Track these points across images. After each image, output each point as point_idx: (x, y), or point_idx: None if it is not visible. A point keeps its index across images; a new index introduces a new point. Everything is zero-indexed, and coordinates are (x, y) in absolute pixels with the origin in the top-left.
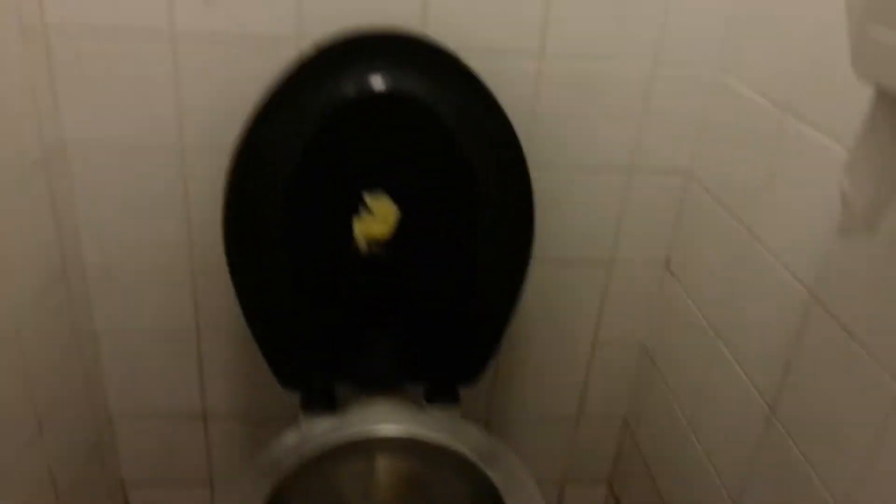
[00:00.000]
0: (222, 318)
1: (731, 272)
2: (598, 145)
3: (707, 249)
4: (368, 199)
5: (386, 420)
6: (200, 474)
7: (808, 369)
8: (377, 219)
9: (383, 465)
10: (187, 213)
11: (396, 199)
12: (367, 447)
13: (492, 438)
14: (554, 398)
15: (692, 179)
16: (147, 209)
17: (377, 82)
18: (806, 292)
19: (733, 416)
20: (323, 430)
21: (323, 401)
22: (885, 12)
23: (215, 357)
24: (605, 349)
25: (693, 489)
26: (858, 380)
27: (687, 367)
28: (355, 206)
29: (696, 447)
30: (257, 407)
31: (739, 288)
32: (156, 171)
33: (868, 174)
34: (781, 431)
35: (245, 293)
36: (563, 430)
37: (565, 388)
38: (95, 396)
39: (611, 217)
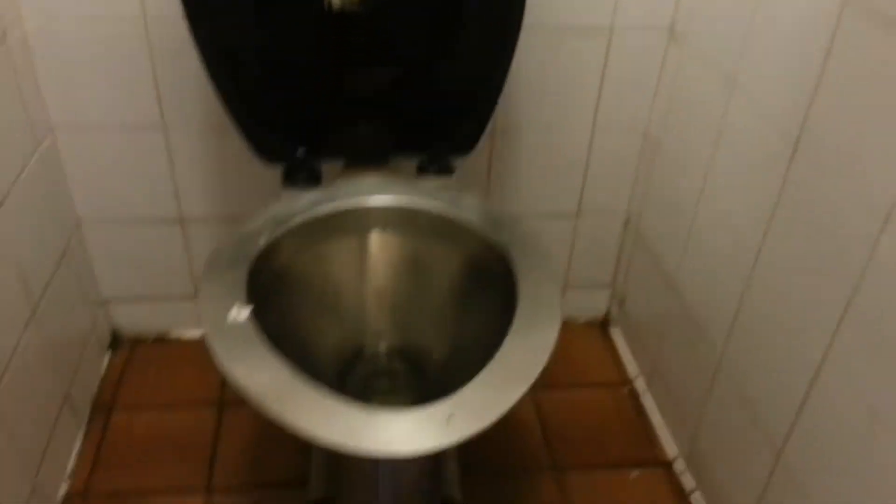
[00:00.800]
0: (190, 105)
1: (747, 12)
2: None
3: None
4: None
5: (377, 191)
6: (185, 284)
7: (839, 86)
8: None
9: (377, 239)
10: None
11: None
12: (358, 219)
13: (493, 206)
14: (552, 193)
15: None
16: None
17: None
18: None
19: (751, 175)
20: (308, 201)
21: (306, 174)
22: None
23: (186, 153)
24: (606, 135)
25: (707, 266)
26: None
27: (695, 144)
28: None
29: (707, 224)
30: (239, 203)
31: (758, 27)
32: None
33: None
34: (805, 170)
35: (212, 60)
36: (563, 231)
37: (564, 182)
38: (59, 198)
39: None
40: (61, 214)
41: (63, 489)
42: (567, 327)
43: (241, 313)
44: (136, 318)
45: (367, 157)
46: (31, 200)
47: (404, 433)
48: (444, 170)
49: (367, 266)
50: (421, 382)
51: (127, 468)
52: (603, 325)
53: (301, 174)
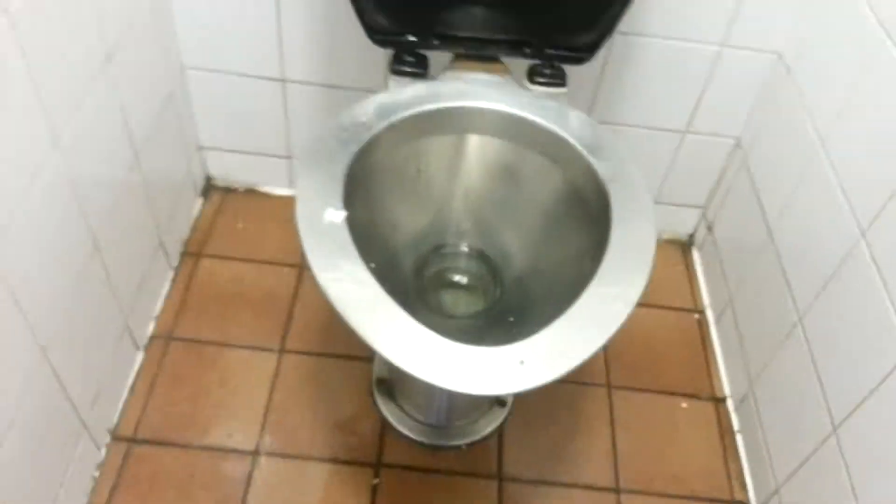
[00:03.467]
0: None
1: None
2: None
3: None
4: None
5: (482, 94)
6: (279, 143)
7: None
8: None
9: (476, 141)
10: None
11: None
12: (462, 119)
13: (598, 126)
14: (664, 107)
15: None
16: None
17: None
18: None
19: (884, 130)
20: (413, 95)
21: (414, 63)
22: None
23: (296, 16)
24: (733, 54)
25: (812, 220)
26: None
27: (832, 76)
28: None
29: (825, 168)
30: (341, 74)
31: None
32: None
33: None
34: None
35: None
36: (667, 145)
37: (678, 97)
38: (166, 41)
39: None
40: (167, 58)
41: (150, 329)
42: None
43: (336, 215)
44: (229, 168)
45: (478, 48)
46: (139, 42)
47: (475, 372)
48: (557, 77)
49: (461, 165)
50: (495, 287)
51: (209, 317)
52: (686, 245)
53: (409, 60)
